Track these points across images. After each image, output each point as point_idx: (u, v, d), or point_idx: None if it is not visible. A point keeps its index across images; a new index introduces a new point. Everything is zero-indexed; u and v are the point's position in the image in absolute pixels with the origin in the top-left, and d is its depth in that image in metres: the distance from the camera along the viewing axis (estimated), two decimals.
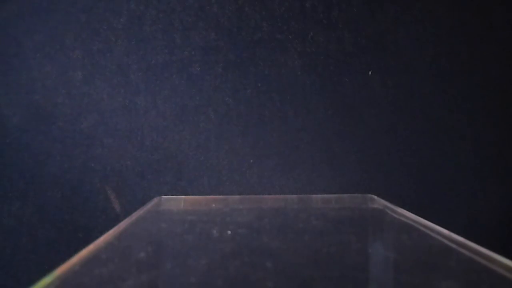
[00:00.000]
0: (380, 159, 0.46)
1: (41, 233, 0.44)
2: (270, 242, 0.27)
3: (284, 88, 0.45)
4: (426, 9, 0.46)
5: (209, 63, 0.45)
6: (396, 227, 0.31)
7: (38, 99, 0.44)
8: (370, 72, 0.46)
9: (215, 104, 0.45)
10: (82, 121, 0.44)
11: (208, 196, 0.42)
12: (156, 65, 0.45)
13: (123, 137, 0.45)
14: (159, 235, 0.30)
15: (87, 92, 0.44)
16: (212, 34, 0.45)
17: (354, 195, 0.38)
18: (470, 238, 0.24)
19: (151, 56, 0.45)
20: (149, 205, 0.35)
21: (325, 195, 0.38)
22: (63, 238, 0.44)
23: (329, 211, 0.36)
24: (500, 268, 0.21)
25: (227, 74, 0.45)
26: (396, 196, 0.45)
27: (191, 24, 0.45)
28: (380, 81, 0.46)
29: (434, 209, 0.46)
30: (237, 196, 0.38)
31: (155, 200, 0.36)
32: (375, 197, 0.37)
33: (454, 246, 0.24)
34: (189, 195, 0.43)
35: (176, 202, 0.36)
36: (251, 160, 0.45)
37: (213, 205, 0.36)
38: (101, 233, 0.25)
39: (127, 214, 0.35)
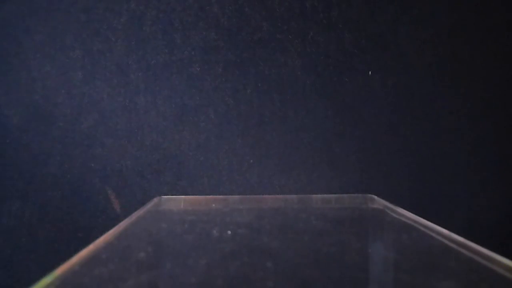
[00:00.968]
0: (380, 159, 0.46)
1: (41, 233, 0.44)
2: (270, 242, 0.27)
3: (284, 88, 0.45)
4: (426, 9, 0.46)
5: (209, 63, 0.45)
6: (396, 227, 0.31)
7: (38, 99, 0.44)
8: (370, 72, 0.46)
9: (215, 104, 0.45)
10: (82, 121, 0.44)
11: (208, 196, 0.42)
12: (156, 65, 0.45)
13: (123, 137, 0.45)
14: (159, 235, 0.30)
15: (87, 92, 0.44)
16: (212, 34, 0.45)
17: (354, 195, 0.38)
18: (470, 238, 0.24)
19: (151, 56, 0.45)
20: (149, 205, 0.35)
21: (325, 195, 0.38)
22: (63, 238, 0.44)
23: (329, 211, 0.36)
24: (500, 268, 0.21)
25: (227, 74, 0.45)
26: (396, 196, 0.45)
27: (191, 24, 0.45)
28: (380, 81, 0.46)
29: (434, 209, 0.46)
30: (237, 196, 0.38)
31: (155, 200, 0.36)
32: (375, 197, 0.37)
33: (454, 246, 0.24)
34: (189, 195, 0.43)
35: (176, 202, 0.36)
36: (251, 160, 0.45)
37: (213, 205, 0.36)
38: (101, 233, 0.25)
39: (127, 214, 0.35)
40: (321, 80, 0.46)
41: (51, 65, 0.44)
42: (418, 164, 0.46)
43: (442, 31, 0.46)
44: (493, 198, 0.46)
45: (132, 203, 0.44)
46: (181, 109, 0.45)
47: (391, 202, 0.34)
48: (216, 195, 0.44)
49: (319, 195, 0.38)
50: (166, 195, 0.38)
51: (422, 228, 0.28)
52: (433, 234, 0.26)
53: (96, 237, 0.25)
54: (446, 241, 0.25)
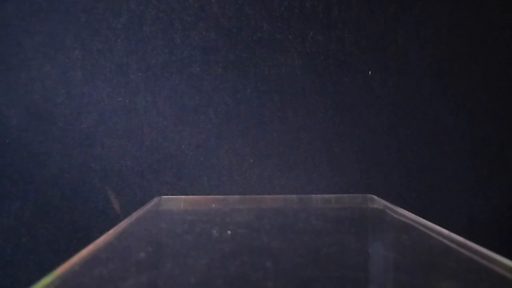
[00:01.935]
0: (380, 159, 0.46)
1: (41, 233, 0.44)
2: (270, 242, 0.27)
3: (284, 88, 0.45)
4: (426, 9, 0.46)
5: (209, 63, 0.45)
6: (396, 227, 0.31)
7: (38, 99, 0.44)
8: (370, 72, 0.46)
9: (215, 104, 0.45)
10: (82, 121, 0.44)
11: (208, 196, 0.42)
12: (156, 65, 0.45)
13: (123, 137, 0.45)
14: (159, 235, 0.30)
15: (87, 92, 0.44)
16: (212, 34, 0.45)
17: (354, 195, 0.38)
18: (470, 238, 0.24)
19: (151, 56, 0.45)
20: (149, 205, 0.35)
21: (325, 195, 0.38)
22: (63, 238, 0.44)
23: (329, 211, 0.36)
24: (500, 268, 0.21)
25: (227, 74, 0.45)
26: (396, 196, 0.45)
27: (191, 24, 0.45)
28: (380, 81, 0.46)
29: (434, 209, 0.46)
30: (237, 196, 0.38)
31: (155, 200, 0.36)
32: (375, 197, 0.37)
33: (454, 246, 0.24)
34: (189, 195, 0.43)
35: (176, 202, 0.36)
36: (251, 160, 0.45)
37: (213, 205, 0.36)
38: (101, 233, 0.25)
39: (127, 214, 0.35)
40: (321, 80, 0.46)
41: (51, 65, 0.44)
42: (418, 164, 0.46)
43: (442, 31, 0.46)
44: (493, 198, 0.46)
45: (132, 203, 0.44)
46: (181, 109, 0.45)
47: (391, 202, 0.34)
48: (216, 195, 0.44)
49: (319, 195, 0.38)
50: (166, 195, 0.38)
51: (422, 228, 0.28)
52: (433, 234, 0.26)
53: (96, 237, 0.25)
54: (446, 241, 0.25)
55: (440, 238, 0.26)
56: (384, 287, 0.22)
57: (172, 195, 0.41)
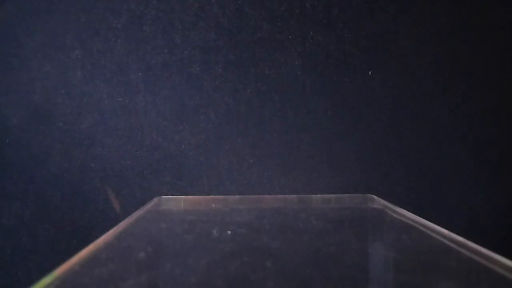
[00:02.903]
0: (380, 159, 0.46)
1: (41, 233, 0.44)
2: (270, 242, 0.27)
3: (284, 88, 0.45)
4: (426, 9, 0.46)
5: (209, 63, 0.45)
6: (396, 227, 0.31)
7: (38, 99, 0.44)
8: (370, 72, 0.46)
9: (215, 104, 0.45)
10: (82, 121, 0.44)
11: (208, 196, 0.42)
12: (156, 65, 0.45)
13: (123, 137, 0.45)
14: (159, 235, 0.30)
15: (87, 92, 0.44)
16: (212, 34, 0.45)
17: (354, 195, 0.38)
18: (470, 238, 0.24)
19: (151, 56, 0.45)
20: (149, 205, 0.35)
21: (325, 195, 0.38)
22: (63, 238, 0.44)
23: (329, 211, 0.36)
24: (500, 268, 0.21)
25: (227, 74, 0.45)
26: (396, 196, 0.45)
27: (191, 24, 0.45)
28: (380, 81, 0.46)
29: (434, 209, 0.46)
30: (237, 196, 0.38)
31: (155, 200, 0.36)
32: (375, 197, 0.37)
33: (454, 246, 0.24)
34: (189, 195, 0.43)
35: (176, 202, 0.36)
36: (251, 160, 0.45)
37: (213, 205, 0.36)
38: (101, 233, 0.25)
39: (127, 214, 0.35)
40: (321, 80, 0.46)
41: (51, 65, 0.44)
42: (418, 164, 0.46)
43: (442, 31, 0.46)
44: (493, 198, 0.46)
45: (132, 203, 0.44)
46: (181, 109, 0.45)
47: (391, 202, 0.34)
48: (216, 195, 0.44)
49: (319, 195, 0.38)
50: (166, 195, 0.38)
51: (422, 228, 0.28)
52: (433, 234, 0.26)
53: (96, 237, 0.25)
54: (446, 241, 0.25)
55: (440, 238, 0.26)
56: (384, 287, 0.22)
57: (172, 195, 0.41)
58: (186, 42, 0.45)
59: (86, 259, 0.22)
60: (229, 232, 0.28)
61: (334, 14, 0.46)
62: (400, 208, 0.32)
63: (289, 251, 0.25)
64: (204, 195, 0.44)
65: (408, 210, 0.31)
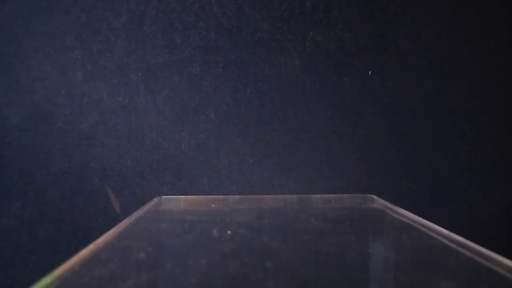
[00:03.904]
0: (380, 159, 0.46)
1: (41, 233, 0.44)
2: (270, 242, 0.27)
3: (284, 88, 0.45)
4: (426, 9, 0.46)
5: (209, 63, 0.45)
6: (396, 227, 0.31)
7: (38, 99, 0.44)
8: (370, 72, 0.46)
9: (215, 104, 0.45)
10: (82, 121, 0.44)
11: (208, 196, 0.42)
12: (156, 65, 0.45)
13: (123, 137, 0.45)
14: (159, 235, 0.30)
15: (87, 92, 0.44)
16: (212, 34, 0.45)
17: (354, 195, 0.38)
18: (470, 238, 0.24)
19: (151, 56, 0.45)
20: (149, 205, 0.35)
21: (325, 195, 0.38)
22: (63, 238, 0.44)
23: (329, 211, 0.36)
24: (500, 268, 0.21)
25: (227, 74, 0.45)
26: (396, 196, 0.45)
27: (191, 24, 0.45)
28: (380, 81, 0.46)
29: (434, 209, 0.46)
30: (237, 196, 0.38)
31: (155, 200, 0.36)
32: (375, 197, 0.37)
33: (454, 246, 0.24)
34: (189, 195, 0.43)
35: (176, 202, 0.36)
36: (251, 160, 0.45)
37: (213, 205, 0.36)
38: (101, 233, 0.25)
39: (127, 214, 0.35)
40: (321, 80, 0.46)
41: (51, 65, 0.44)
42: (418, 164, 0.46)
43: (442, 31, 0.46)
44: (493, 198, 0.46)
45: (132, 203, 0.44)
46: (181, 109, 0.45)
47: (391, 202, 0.34)
48: (216, 195, 0.44)
49: (319, 195, 0.38)
50: (166, 195, 0.38)
51: (422, 228, 0.28)
52: (433, 234, 0.26)
53: (96, 237, 0.25)
54: (446, 241, 0.25)
55: (440, 238, 0.26)
56: (384, 287, 0.22)
57: (172, 195, 0.41)
58: (186, 42, 0.45)
59: (86, 259, 0.22)
60: (229, 232, 0.28)
61: (334, 14, 0.46)
62: (400, 208, 0.32)
63: (289, 251, 0.25)
64: (204, 195, 0.44)
65: (408, 210, 0.31)
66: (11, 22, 0.44)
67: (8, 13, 0.44)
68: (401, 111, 0.46)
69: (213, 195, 0.44)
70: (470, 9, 0.46)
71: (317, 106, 0.46)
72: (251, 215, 0.34)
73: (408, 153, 0.46)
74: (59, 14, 0.44)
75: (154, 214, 0.34)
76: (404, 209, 0.32)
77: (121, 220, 0.29)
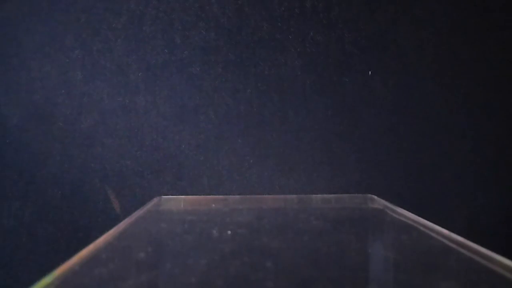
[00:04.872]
0: (380, 159, 0.46)
1: (41, 233, 0.44)
2: (270, 242, 0.27)
3: (284, 88, 0.45)
4: (426, 9, 0.46)
5: (209, 63, 0.45)
6: (396, 227, 0.31)
7: (38, 99, 0.44)
8: (370, 72, 0.46)
9: (215, 104, 0.45)
10: (82, 121, 0.44)
11: (208, 196, 0.42)
12: (156, 65, 0.45)
13: (123, 137, 0.45)
14: (159, 235, 0.30)
15: (87, 92, 0.44)
16: (212, 34, 0.45)
17: (354, 195, 0.38)
18: (470, 238, 0.24)
19: (151, 56, 0.45)
20: (149, 205, 0.35)
21: (325, 195, 0.38)
22: (63, 238, 0.44)
23: (329, 211, 0.36)
24: (500, 268, 0.21)
25: (227, 74, 0.45)
26: (396, 196, 0.45)
27: (191, 24, 0.45)
28: (380, 81, 0.46)
29: (434, 209, 0.46)
30: (237, 196, 0.38)
31: (155, 200, 0.36)
32: (375, 197, 0.37)
33: (454, 246, 0.24)
34: (189, 195, 0.43)
35: (176, 202, 0.36)
36: (251, 160, 0.45)
37: (213, 205, 0.36)
38: (101, 233, 0.25)
39: (127, 214, 0.35)
40: (321, 80, 0.46)
41: (51, 65, 0.44)
42: (418, 164, 0.46)
43: (442, 31, 0.46)
44: (493, 198, 0.46)
45: (132, 203, 0.44)
46: (181, 109, 0.45)
47: (391, 202, 0.34)
48: (216, 195, 0.44)
49: (319, 195, 0.38)
50: (166, 195, 0.38)
51: (422, 228, 0.28)
52: (433, 234, 0.26)
53: (96, 237, 0.25)
54: (446, 241, 0.25)
55: (440, 238, 0.26)
56: (384, 287, 0.22)
57: (172, 195, 0.41)
58: (186, 42, 0.45)
59: (86, 259, 0.22)
60: (229, 232, 0.28)
61: (334, 14, 0.46)
62: (400, 208, 0.32)
63: (289, 251, 0.25)
64: (204, 195, 0.44)
65: (408, 210, 0.31)
66: (11, 22, 0.44)
67: (8, 13, 0.44)
68: (401, 111, 0.46)
69: (213, 195, 0.44)
70: (470, 8, 0.46)
71: (317, 106, 0.46)
72: (251, 215, 0.34)
73: (408, 153, 0.46)
74: (59, 14, 0.44)
75: (154, 214, 0.34)
76: (404, 209, 0.32)
77: (121, 220, 0.29)
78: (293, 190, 0.45)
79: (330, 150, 0.46)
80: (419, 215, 0.29)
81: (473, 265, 0.22)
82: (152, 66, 0.45)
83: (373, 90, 0.46)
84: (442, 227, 0.26)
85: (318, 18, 0.46)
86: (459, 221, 0.46)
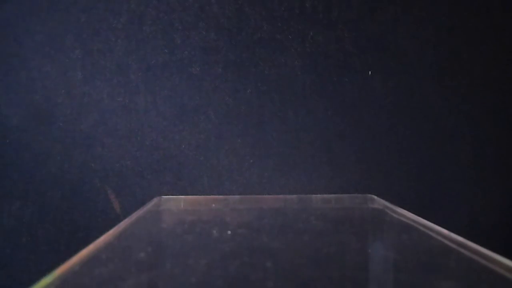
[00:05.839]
0: (380, 159, 0.46)
1: (41, 233, 0.44)
2: (270, 242, 0.27)
3: (284, 88, 0.45)
4: (426, 9, 0.46)
5: (209, 63, 0.45)
6: (396, 227, 0.31)
7: (38, 99, 0.44)
8: (370, 72, 0.46)
9: (215, 104, 0.45)
10: (82, 121, 0.44)
11: (208, 196, 0.42)
12: (156, 65, 0.45)
13: (123, 137, 0.45)
14: (159, 235, 0.30)
15: (87, 92, 0.44)
16: (212, 34, 0.45)
17: (354, 195, 0.38)
18: (470, 238, 0.24)
19: (151, 56, 0.45)
20: (149, 205, 0.35)
21: (325, 195, 0.38)
22: (63, 238, 0.44)
23: (329, 211, 0.36)
24: (500, 268, 0.21)
25: (227, 74, 0.45)
26: (396, 196, 0.45)
27: (191, 24, 0.45)
28: (380, 81, 0.46)
29: (434, 209, 0.46)
30: (237, 196, 0.38)
31: (155, 200, 0.36)
32: (375, 197, 0.37)
33: (454, 246, 0.24)
34: (189, 195, 0.43)
35: (176, 202, 0.36)
36: (251, 160, 0.45)
37: (213, 205, 0.36)
38: (101, 233, 0.25)
39: (127, 214, 0.35)
40: (321, 80, 0.46)
41: (51, 65, 0.44)
42: (418, 164, 0.46)
43: (442, 31, 0.46)
44: (493, 198, 0.46)
45: (132, 203, 0.44)
46: (181, 109, 0.45)
47: (391, 202, 0.34)
48: (216, 195, 0.44)
49: (319, 195, 0.38)
50: (166, 195, 0.38)
51: (422, 228, 0.28)
52: (433, 234, 0.26)
53: (96, 237, 0.25)
54: (446, 241, 0.25)
55: (440, 238, 0.26)
56: (384, 287, 0.22)
57: (172, 195, 0.41)
58: (186, 42, 0.45)
59: (86, 259, 0.22)
60: (229, 232, 0.28)
61: (334, 14, 0.46)
62: (400, 208, 0.32)
63: (289, 251, 0.25)
64: (204, 195, 0.44)
65: (408, 210, 0.31)
66: (11, 22, 0.44)
67: (8, 13, 0.44)
68: (401, 111, 0.46)
69: (213, 195, 0.44)
70: (470, 8, 0.46)
71: (317, 106, 0.46)
72: (251, 215, 0.34)
73: (408, 153, 0.46)
74: (59, 14, 0.44)
75: (154, 214, 0.34)
76: (404, 209, 0.32)
77: (121, 220, 0.29)
78: (293, 190, 0.45)
79: (330, 150, 0.46)
80: (419, 215, 0.29)
81: (473, 265, 0.22)
82: (152, 66, 0.45)
83: (373, 90, 0.46)
84: (442, 227, 0.26)
85: (318, 18, 0.46)
86: (459, 221, 0.46)
